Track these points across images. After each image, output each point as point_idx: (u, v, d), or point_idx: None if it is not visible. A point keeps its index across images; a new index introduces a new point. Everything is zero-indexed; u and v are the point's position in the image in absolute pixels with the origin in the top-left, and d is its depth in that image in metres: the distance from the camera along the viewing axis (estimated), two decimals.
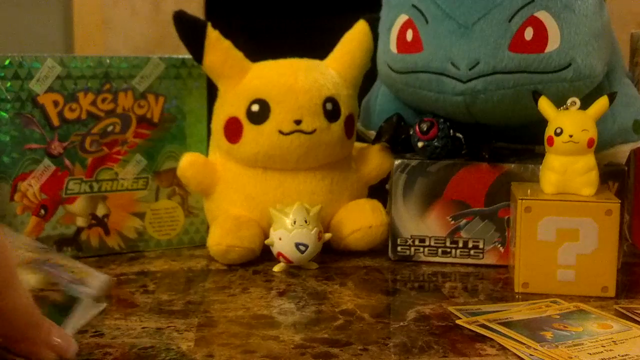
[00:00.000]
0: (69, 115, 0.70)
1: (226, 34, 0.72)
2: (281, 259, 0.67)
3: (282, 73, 0.70)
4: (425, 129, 0.69)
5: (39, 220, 0.70)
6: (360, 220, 0.71)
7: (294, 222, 0.65)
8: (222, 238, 0.68)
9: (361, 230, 0.71)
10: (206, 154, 0.76)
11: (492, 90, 0.65)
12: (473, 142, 0.70)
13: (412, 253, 0.71)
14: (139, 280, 0.65)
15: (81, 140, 0.71)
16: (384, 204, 0.74)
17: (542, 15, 0.64)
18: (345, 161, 0.75)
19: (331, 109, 0.70)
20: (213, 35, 0.71)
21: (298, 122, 0.69)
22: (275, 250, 0.67)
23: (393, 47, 0.70)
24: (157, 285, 0.64)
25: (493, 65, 0.64)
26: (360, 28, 0.75)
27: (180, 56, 0.75)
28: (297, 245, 0.65)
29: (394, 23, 0.70)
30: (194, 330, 0.52)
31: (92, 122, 0.71)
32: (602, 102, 0.61)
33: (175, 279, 0.66)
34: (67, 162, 0.71)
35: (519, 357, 0.48)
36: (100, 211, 0.73)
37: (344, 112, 0.72)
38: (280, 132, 0.69)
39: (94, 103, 0.71)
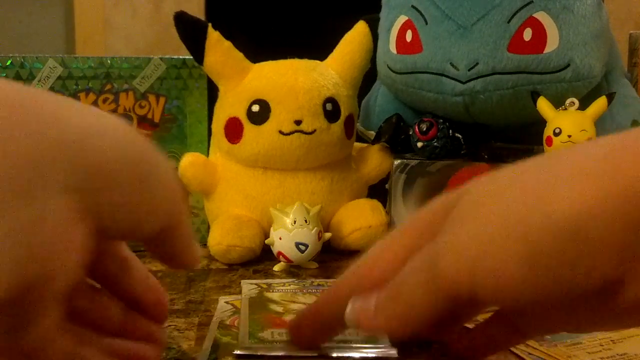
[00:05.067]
0: None
1: (226, 34, 0.72)
2: (281, 258, 0.67)
3: (282, 73, 0.71)
4: (424, 129, 0.69)
5: None
6: (360, 219, 0.72)
7: (294, 222, 0.66)
8: (222, 237, 0.69)
9: (361, 229, 0.72)
10: (207, 154, 0.76)
11: (491, 90, 0.65)
12: (472, 142, 0.70)
13: None
14: None
15: None
16: (384, 204, 0.74)
17: (541, 16, 0.64)
18: (345, 161, 0.75)
19: (331, 110, 0.71)
20: (214, 36, 0.71)
21: (298, 122, 0.69)
22: (275, 249, 0.67)
23: (392, 48, 0.71)
24: None
25: (492, 66, 0.64)
26: (360, 29, 0.75)
27: (181, 57, 0.75)
28: (297, 244, 0.65)
29: (394, 24, 0.71)
30: (194, 330, 0.52)
31: None
32: (600, 103, 0.61)
33: (176, 279, 0.66)
34: None
35: (517, 355, 0.48)
36: None
37: (344, 112, 0.72)
38: (281, 132, 0.69)
39: (95, 103, 0.71)
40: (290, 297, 0.54)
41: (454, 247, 0.30)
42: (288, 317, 0.48)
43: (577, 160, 0.29)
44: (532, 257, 0.27)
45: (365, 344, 0.44)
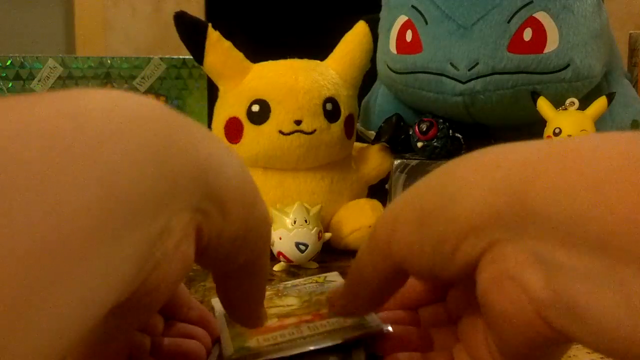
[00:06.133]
0: None
1: (226, 34, 0.72)
2: (281, 258, 0.67)
3: (282, 73, 0.71)
4: (424, 129, 0.69)
5: None
6: (360, 219, 0.72)
7: (294, 222, 0.66)
8: None
9: (361, 229, 0.72)
10: None
11: (491, 90, 0.65)
12: (472, 142, 0.70)
13: None
14: None
15: None
16: (384, 204, 0.74)
17: (541, 16, 0.64)
18: (345, 161, 0.75)
19: (331, 110, 0.71)
20: (213, 36, 0.71)
21: (298, 122, 0.69)
22: (275, 249, 0.67)
23: (393, 48, 0.71)
24: None
25: (492, 66, 0.64)
26: (360, 29, 0.75)
27: (181, 57, 0.75)
28: (297, 244, 0.65)
29: (394, 24, 0.71)
30: None
31: None
32: (600, 103, 0.61)
33: None
34: None
35: None
36: None
37: (344, 112, 0.72)
38: (281, 132, 0.69)
39: None
40: (267, 303, 0.53)
41: (385, 212, 0.32)
42: (270, 322, 0.46)
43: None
44: (420, 219, 0.29)
45: (356, 328, 0.43)
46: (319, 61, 0.74)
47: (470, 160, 0.29)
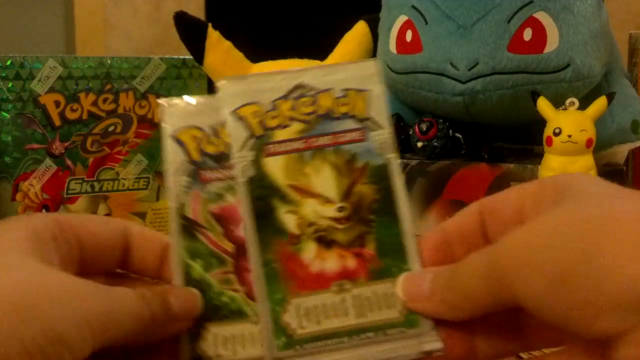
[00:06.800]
0: (70, 115, 0.71)
1: (226, 34, 0.72)
2: None
3: None
4: (424, 129, 0.69)
5: None
6: None
7: None
8: None
9: None
10: None
11: (491, 90, 0.65)
12: (472, 142, 0.70)
13: None
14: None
15: (82, 141, 0.71)
16: None
17: (541, 16, 0.64)
18: None
19: None
20: (213, 35, 0.71)
21: None
22: None
23: (392, 48, 0.71)
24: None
25: (492, 66, 0.64)
26: (360, 29, 0.75)
27: (181, 57, 0.75)
28: None
29: (394, 24, 0.71)
30: None
31: (93, 122, 0.71)
32: (600, 103, 0.61)
33: None
34: (68, 162, 0.71)
35: (519, 356, 0.48)
36: (101, 211, 0.73)
37: None
38: None
39: (95, 103, 0.71)
40: (297, 171, 0.37)
41: (508, 248, 0.30)
42: (306, 253, 0.35)
43: None
44: (555, 276, 0.28)
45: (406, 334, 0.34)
46: (319, 61, 0.74)
47: (619, 228, 0.28)
